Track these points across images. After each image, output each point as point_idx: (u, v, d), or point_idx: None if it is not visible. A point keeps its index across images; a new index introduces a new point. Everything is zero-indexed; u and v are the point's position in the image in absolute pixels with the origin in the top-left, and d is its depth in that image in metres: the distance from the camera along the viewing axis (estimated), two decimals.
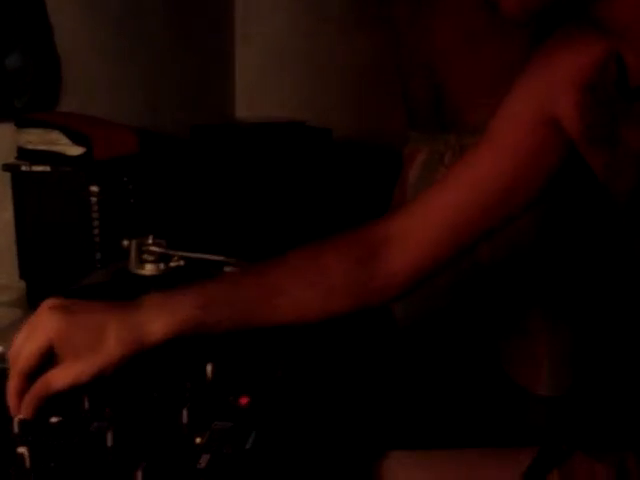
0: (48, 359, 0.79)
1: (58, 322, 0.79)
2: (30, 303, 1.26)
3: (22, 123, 1.41)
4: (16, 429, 0.74)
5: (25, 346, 0.78)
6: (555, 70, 0.88)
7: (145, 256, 1.30)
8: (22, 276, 1.40)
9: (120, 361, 0.80)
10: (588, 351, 1.50)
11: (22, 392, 0.77)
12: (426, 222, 0.95)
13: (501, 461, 1.02)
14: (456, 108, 1.48)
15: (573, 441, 1.05)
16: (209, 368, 0.86)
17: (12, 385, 0.78)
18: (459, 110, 1.48)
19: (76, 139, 1.37)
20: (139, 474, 0.65)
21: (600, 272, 1.55)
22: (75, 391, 0.79)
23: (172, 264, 1.31)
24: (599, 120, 0.84)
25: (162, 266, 1.30)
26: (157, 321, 0.83)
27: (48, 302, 0.81)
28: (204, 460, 0.69)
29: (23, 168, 1.39)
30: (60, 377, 0.78)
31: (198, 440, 0.73)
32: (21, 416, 0.75)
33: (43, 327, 0.79)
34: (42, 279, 1.39)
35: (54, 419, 0.76)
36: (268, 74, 2.76)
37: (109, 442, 0.72)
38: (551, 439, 1.06)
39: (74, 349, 0.79)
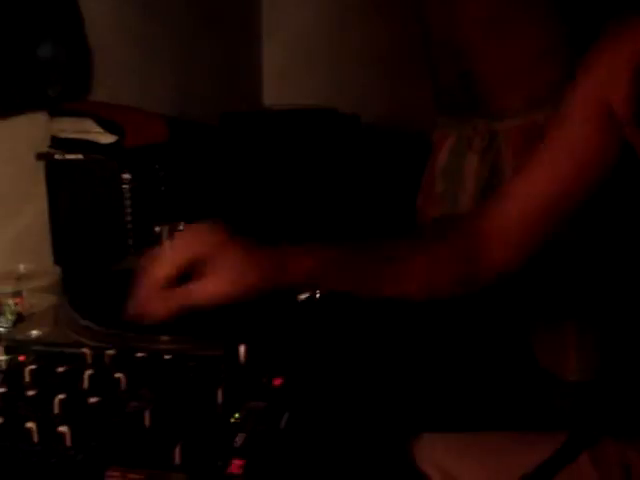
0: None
1: (217, 238, 0.84)
2: (65, 288, 1.28)
3: (55, 112, 1.43)
4: (57, 409, 0.75)
5: (179, 251, 0.84)
6: (614, 55, 0.90)
7: None
8: (57, 262, 1.43)
9: (256, 293, 0.86)
10: (616, 336, 1.50)
11: (152, 299, 0.83)
12: (528, 200, 0.98)
13: (532, 444, 1.02)
14: (485, 93, 1.48)
15: (603, 425, 1.05)
16: (242, 349, 0.87)
17: (148, 287, 0.84)
18: (488, 95, 1.48)
19: (108, 127, 1.39)
20: (177, 452, 0.67)
21: (629, 260, 1.55)
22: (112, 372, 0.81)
23: None
24: None
25: None
26: (300, 265, 0.89)
27: (208, 223, 0.87)
28: (240, 438, 0.71)
29: (56, 157, 1.41)
30: (201, 291, 0.83)
31: (233, 419, 0.74)
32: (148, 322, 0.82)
33: (201, 239, 0.85)
34: (76, 265, 1.42)
35: (93, 399, 0.77)
36: (295, 61, 2.76)
37: (147, 422, 0.73)
38: (581, 423, 1.06)
39: (220, 269, 0.83)
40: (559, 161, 0.95)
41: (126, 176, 1.39)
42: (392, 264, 0.98)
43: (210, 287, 0.83)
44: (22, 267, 1.28)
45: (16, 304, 1.10)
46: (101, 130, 1.39)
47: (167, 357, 0.88)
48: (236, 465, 0.67)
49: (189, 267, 0.83)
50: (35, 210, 1.43)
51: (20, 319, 1.06)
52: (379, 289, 0.99)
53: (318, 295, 1.12)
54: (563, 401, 1.53)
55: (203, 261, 0.83)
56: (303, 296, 1.13)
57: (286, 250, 0.90)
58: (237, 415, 0.75)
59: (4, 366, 0.87)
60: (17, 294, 1.16)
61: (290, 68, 2.77)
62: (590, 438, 1.01)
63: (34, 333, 0.99)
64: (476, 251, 1.00)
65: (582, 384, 1.49)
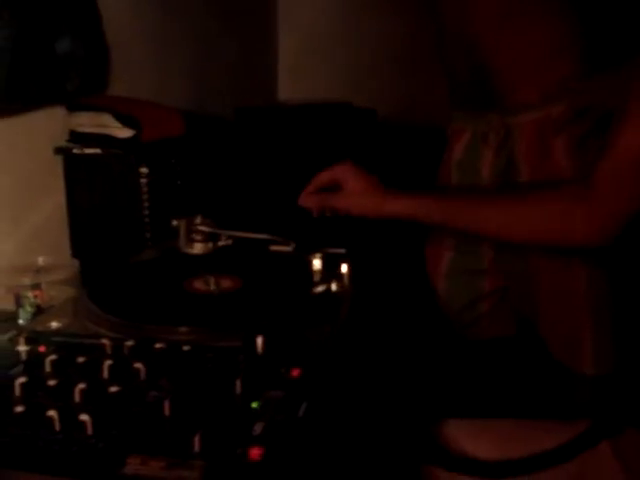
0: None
1: (353, 171, 1.29)
2: (83, 281, 1.30)
3: (73, 107, 1.44)
4: (77, 398, 0.76)
5: (326, 173, 1.31)
6: None
7: (194, 235, 1.33)
8: (75, 255, 1.44)
9: (372, 216, 1.27)
10: (632, 328, 1.50)
11: (308, 197, 1.32)
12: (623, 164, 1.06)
13: (551, 431, 1.03)
14: (499, 88, 1.47)
15: (625, 416, 1.06)
16: (259, 341, 0.88)
17: (309, 189, 1.32)
18: (502, 90, 1.47)
19: (126, 122, 1.40)
20: (197, 440, 0.68)
21: None
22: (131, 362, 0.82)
23: (220, 243, 1.34)
24: None
25: (210, 245, 1.33)
26: (397, 202, 1.25)
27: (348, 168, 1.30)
28: (259, 427, 0.72)
29: (75, 151, 1.42)
30: (336, 199, 1.29)
31: (252, 408, 0.75)
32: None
33: (343, 169, 1.30)
34: (94, 258, 1.43)
35: (113, 388, 0.78)
36: (310, 57, 2.77)
37: (166, 411, 0.74)
38: (603, 412, 1.07)
39: (350, 191, 1.28)
40: None
41: (143, 170, 1.40)
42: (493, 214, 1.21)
43: (341, 199, 1.29)
44: (41, 260, 1.29)
45: (35, 297, 1.11)
46: (119, 125, 1.40)
47: (186, 348, 0.89)
48: (255, 453, 0.68)
49: (334, 182, 1.30)
50: (53, 204, 1.44)
51: (39, 311, 1.07)
52: (462, 226, 1.27)
53: (333, 288, 1.13)
54: (581, 394, 1.53)
55: (340, 181, 1.28)
56: (319, 288, 1.13)
57: (390, 190, 1.26)
58: (255, 404, 0.76)
59: (25, 357, 0.88)
60: (36, 287, 1.17)
61: (305, 63, 2.78)
62: (613, 427, 1.02)
63: (54, 325, 1.00)
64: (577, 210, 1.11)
65: (599, 377, 1.49)
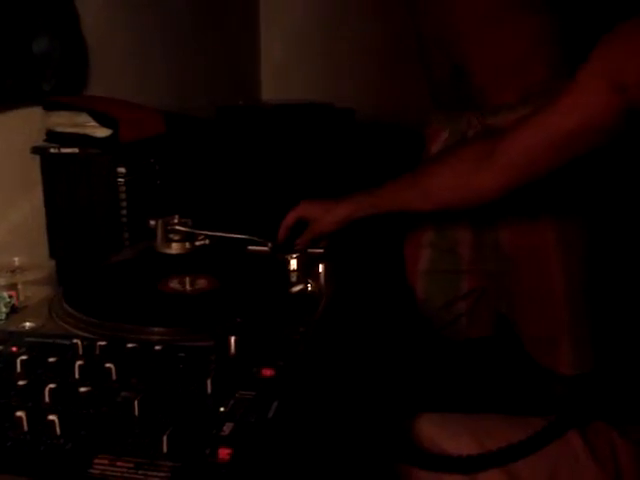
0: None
1: (309, 203, 1.42)
2: (59, 281, 1.29)
3: (50, 106, 1.43)
4: (47, 398, 0.76)
5: (291, 215, 1.41)
6: (626, 44, 1.04)
7: (171, 235, 1.32)
8: (52, 255, 1.44)
9: (336, 224, 1.38)
10: (610, 328, 1.51)
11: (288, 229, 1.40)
12: (538, 135, 1.17)
13: (526, 425, 1.04)
14: (478, 89, 1.48)
15: (594, 410, 1.07)
16: (232, 341, 0.88)
17: (280, 234, 1.40)
18: (481, 90, 1.48)
19: (103, 121, 1.39)
20: (164, 440, 0.68)
21: (623, 252, 1.55)
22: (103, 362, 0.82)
23: (197, 243, 1.34)
24: None
25: (188, 245, 1.33)
26: (366, 200, 1.38)
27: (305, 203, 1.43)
28: (228, 427, 0.72)
29: (52, 151, 1.41)
30: (310, 230, 1.38)
31: (222, 409, 0.75)
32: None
33: (302, 207, 1.42)
34: (72, 258, 1.42)
35: (84, 389, 0.78)
36: (293, 57, 2.77)
37: (136, 411, 0.74)
38: (573, 405, 1.09)
39: (315, 218, 1.39)
40: (569, 114, 1.11)
41: (121, 170, 1.40)
42: (417, 184, 1.34)
43: (320, 223, 1.37)
44: (17, 260, 1.28)
45: (10, 297, 1.10)
46: (96, 124, 1.39)
47: (158, 348, 0.88)
48: (223, 453, 0.67)
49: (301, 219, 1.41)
50: (31, 204, 1.44)
51: (14, 311, 1.07)
52: (414, 207, 1.37)
53: (310, 287, 1.13)
54: (560, 393, 1.53)
55: (305, 216, 1.40)
56: (296, 288, 1.13)
57: (355, 195, 1.39)
58: (226, 405, 0.76)
59: None
60: (12, 287, 1.17)
61: (288, 63, 2.78)
62: (580, 417, 1.04)
63: (27, 325, 0.99)
64: (485, 165, 1.23)
65: (577, 377, 1.50)
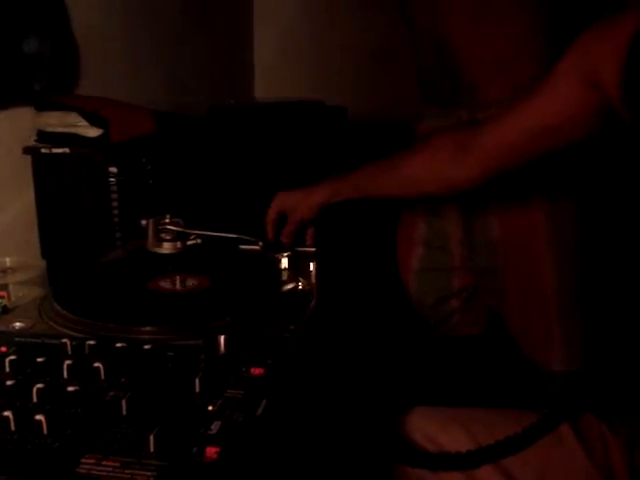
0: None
1: (285, 194, 1.42)
2: (50, 281, 1.29)
3: (41, 106, 1.43)
4: (35, 398, 0.76)
5: (271, 211, 1.41)
6: (604, 43, 1.04)
7: (162, 235, 1.32)
8: (44, 255, 1.44)
9: (312, 209, 1.39)
10: (601, 326, 1.51)
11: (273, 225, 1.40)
12: (513, 129, 1.19)
13: (518, 419, 1.04)
14: (469, 84, 1.48)
15: (586, 404, 1.08)
16: (222, 340, 0.88)
17: (269, 233, 1.40)
18: (472, 86, 1.48)
19: (94, 121, 1.39)
20: (151, 440, 0.68)
21: (615, 249, 1.56)
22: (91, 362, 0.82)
23: (189, 242, 1.33)
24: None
25: (179, 244, 1.32)
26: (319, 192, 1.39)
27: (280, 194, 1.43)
28: (216, 426, 0.72)
29: (43, 151, 1.41)
30: (291, 221, 1.39)
31: (210, 408, 0.75)
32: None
33: (278, 199, 1.42)
34: (64, 258, 1.42)
35: (72, 388, 0.78)
36: (286, 55, 2.78)
37: (124, 410, 0.74)
38: (565, 399, 1.09)
39: (292, 207, 1.39)
40: (543, 109, 1.14)
41: (113, 169, 1.40)
42: (392, 171, 1.36)
43: (294, 218, 1.38)
44: (8, 260, 1.28)
45: (1, 297, 1.10)
46: (87, 124, 1.40)
47: (147, 347, 0.88)
48: (211, 452, 0.67)
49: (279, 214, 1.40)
50: (22, 204, 1.44)
51: (5, 312, 1.07)
52: (388, 193, 1.38)
53: (301, 286, 1.13)
54: (551, 389, 1.54)
55: (284, 208, 1.40)
56: (287, 287, 1.14)
57: (331, 179, 1.40)
58: (214, 404, 0.76)
59: None
60: (3, 287, 1.17)
61: (280, 62, 2.78)
62: (572, 411, 1.04)
63: (17, 325, 0.99)
64: (460, 156, 1.25)
65: (568, 374, 1.50)
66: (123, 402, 0.74)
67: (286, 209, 1.40)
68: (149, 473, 0.65)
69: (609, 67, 1.02)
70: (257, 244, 1.34)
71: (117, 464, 0.66)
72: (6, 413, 0.71)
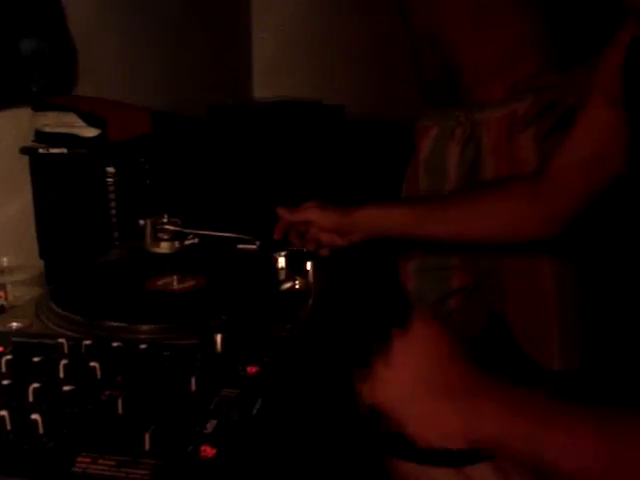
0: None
1: (321, 208, 1.31)
2: (48, 281, 1.29)
3: (38, 107, 1.44)
4: (30, 397, 0.76)
5: (297, 215, 1.32)
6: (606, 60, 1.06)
7: (160, 234, 1.32)
8: (42, 256, 1.44)
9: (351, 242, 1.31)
10: (598, 325, 1.51)
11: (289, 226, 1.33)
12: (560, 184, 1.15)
13: None
14: (467, 84, 1.48)
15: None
16: (218, 339, 0.88)
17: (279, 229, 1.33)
18: (470, 87, 1.48)
19: (91, 121, 1.40)
20: (147, 438, 0.68)
21: (613, 249, 1.56)
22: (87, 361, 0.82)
23: (187, 242, 1.34)
24: None
25: (177, 244, 1.33)
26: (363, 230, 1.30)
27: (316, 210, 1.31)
28: (211, 425, 0.72)
29: (40, 151, 1.42)
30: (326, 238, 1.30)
31: (206, 407, 0.75)
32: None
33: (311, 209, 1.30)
34: (61, 258, 1.42)
35: (68, 387, 0.78)
36: (284, 55, 2.78)
37: (119, 409, 0.74)
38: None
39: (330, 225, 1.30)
40: (588, 136, 1.11)
41: (110, 170, 1.40)
42: (446, 221, 1.27)
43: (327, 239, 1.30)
44: (6, 260, 1.28)
45: None
46: (84, 124, 1.40)
47: (143, 346, 0.88)
48: (206, 451, 0.68)
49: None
50: (20, 204, 1.44)
51: (3, 312, 1.07)
52: (434, 239, 1.33)
53: (298, 285, 1.13)
54: (549, 387, 1.54)
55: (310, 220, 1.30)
56: (284, 286, 1.14)
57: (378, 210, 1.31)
58: (210, 402, 0.76)
59: None
60: (1, 287, 1.17)
61: (279, 62, 2.79)
62: None
63: (14, 325, 1.00)
64: (527, 201, 1.18)
65: (566, 373, 1.50)
66: (119, 401, 0.74)
67: (315, 225, 1.32)
68: (144, 472, 0.65)
69: (616, 79, 1.03)
70: (254, 243, 1.34)
71: (112, 463, 0.66)
72: (2, 412, 0.71)
